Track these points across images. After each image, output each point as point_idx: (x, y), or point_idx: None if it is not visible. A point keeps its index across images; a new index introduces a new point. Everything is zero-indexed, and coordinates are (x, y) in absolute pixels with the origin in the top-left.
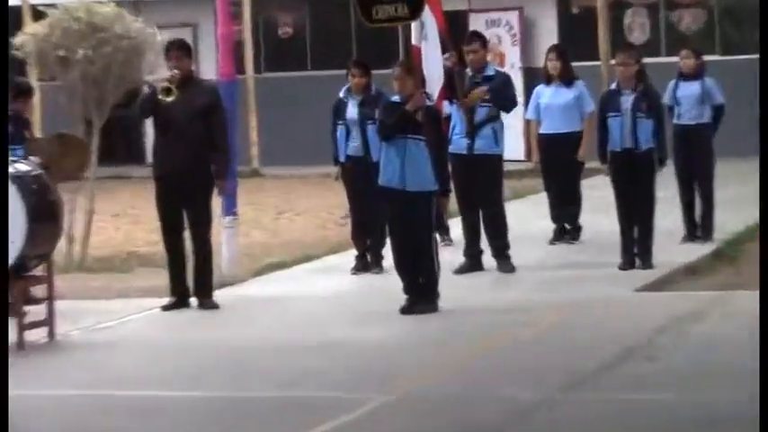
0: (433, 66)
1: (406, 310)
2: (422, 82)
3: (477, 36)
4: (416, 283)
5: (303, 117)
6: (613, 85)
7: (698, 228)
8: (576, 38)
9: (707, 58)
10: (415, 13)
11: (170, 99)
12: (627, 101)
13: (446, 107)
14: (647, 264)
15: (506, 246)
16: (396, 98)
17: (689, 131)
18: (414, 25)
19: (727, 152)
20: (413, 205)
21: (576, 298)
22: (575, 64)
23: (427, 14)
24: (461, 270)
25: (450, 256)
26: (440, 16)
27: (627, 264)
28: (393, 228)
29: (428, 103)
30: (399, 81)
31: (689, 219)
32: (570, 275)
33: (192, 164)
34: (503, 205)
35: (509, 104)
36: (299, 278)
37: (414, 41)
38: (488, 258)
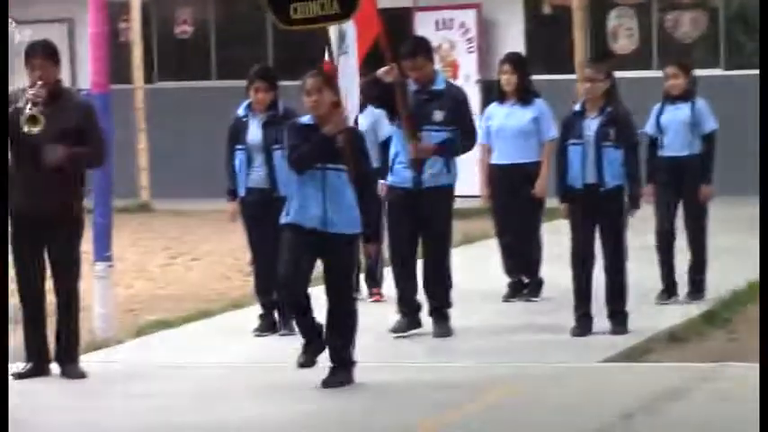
0: (349, 84)
1: (327, 382)
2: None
3: (420, 46)
4: (337, 347)
5: (206, 138)
6: (577, 106)
7: (676, 285)
8: (548, 45)
9: (708, 72)
10: (350, 10)
11: (36, 130)
12: (591, 126)
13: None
14: (619, 328)
15: (448, 303)
16: (306, 119)
17: (678, 164)
18: (333, 36)
19: (724, 191)
20: (334, 250)
21: (530, 370)
22: (544, 77)
23: (350, 22)
24: (400, 328)
25: (377, 313)
26: (374, 19)
27: (581, 328)
28: (298, 277)
29: (350, 124)
30: (313, 96)
31: (668, 273)
32: (525, 341)
33: (57, 200)
34: (449, 251)
35: (468, 145)
36: (191, 341)
37: (327, 57)
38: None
